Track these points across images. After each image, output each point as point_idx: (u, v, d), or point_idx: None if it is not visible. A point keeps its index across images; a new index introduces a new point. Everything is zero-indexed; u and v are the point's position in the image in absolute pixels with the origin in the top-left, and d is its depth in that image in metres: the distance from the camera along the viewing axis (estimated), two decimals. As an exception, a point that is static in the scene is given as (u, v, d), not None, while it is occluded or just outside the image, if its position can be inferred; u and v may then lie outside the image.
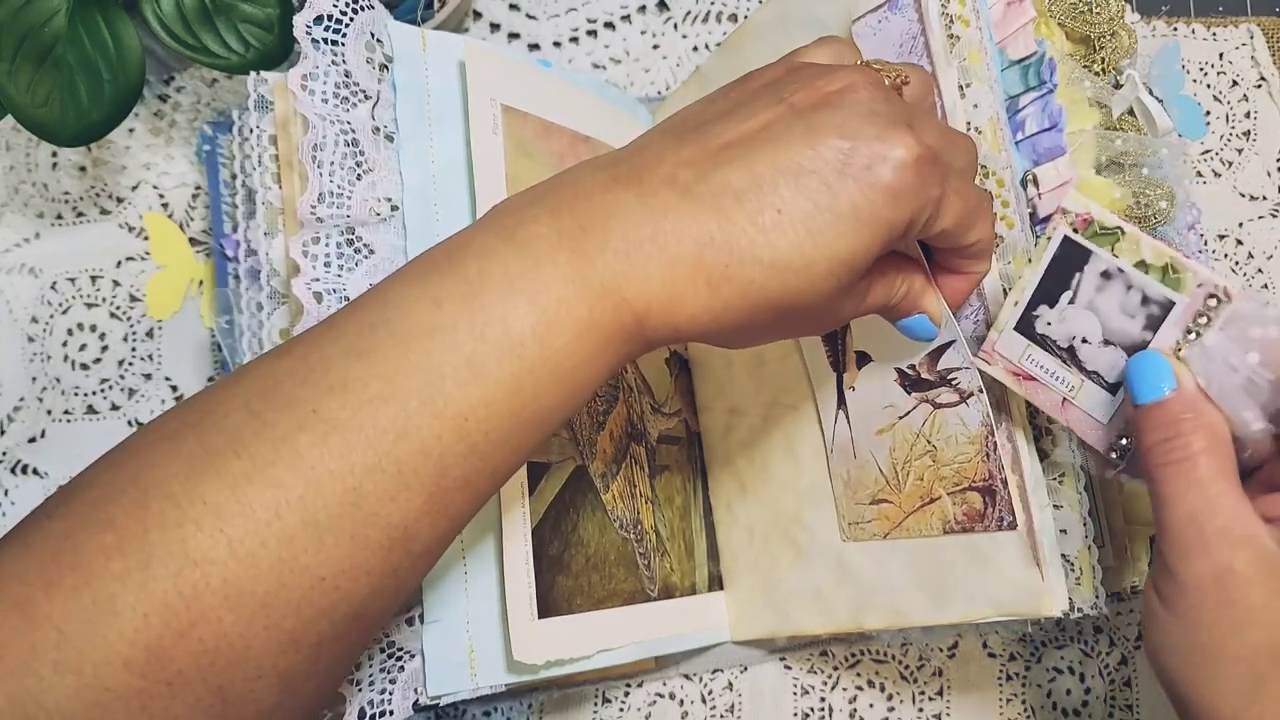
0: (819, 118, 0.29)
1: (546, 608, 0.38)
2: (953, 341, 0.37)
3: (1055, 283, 0.33)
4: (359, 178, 0.38)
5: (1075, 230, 0.33)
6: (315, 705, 0.29)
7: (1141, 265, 0.32)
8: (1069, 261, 0.33)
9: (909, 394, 0.40)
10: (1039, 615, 0.36)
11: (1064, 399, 0.34)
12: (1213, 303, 0.31)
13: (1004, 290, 0.37)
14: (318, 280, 0.37)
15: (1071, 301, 0.33)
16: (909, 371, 0.40)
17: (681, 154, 0.30)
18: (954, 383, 0.38)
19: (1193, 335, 0.31)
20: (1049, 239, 0.33)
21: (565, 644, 0.38)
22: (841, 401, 0.42)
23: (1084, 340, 0.33)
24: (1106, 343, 0.33)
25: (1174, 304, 0.31)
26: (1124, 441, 0.33)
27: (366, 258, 0.38)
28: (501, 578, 0.37)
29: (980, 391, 0.37)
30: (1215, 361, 0.30)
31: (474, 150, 0.39)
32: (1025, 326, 0.34)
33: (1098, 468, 0.37)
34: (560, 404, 0.29)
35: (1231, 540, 0.28)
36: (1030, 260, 0.34)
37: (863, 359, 0.41)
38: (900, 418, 0.40)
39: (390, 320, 0.28)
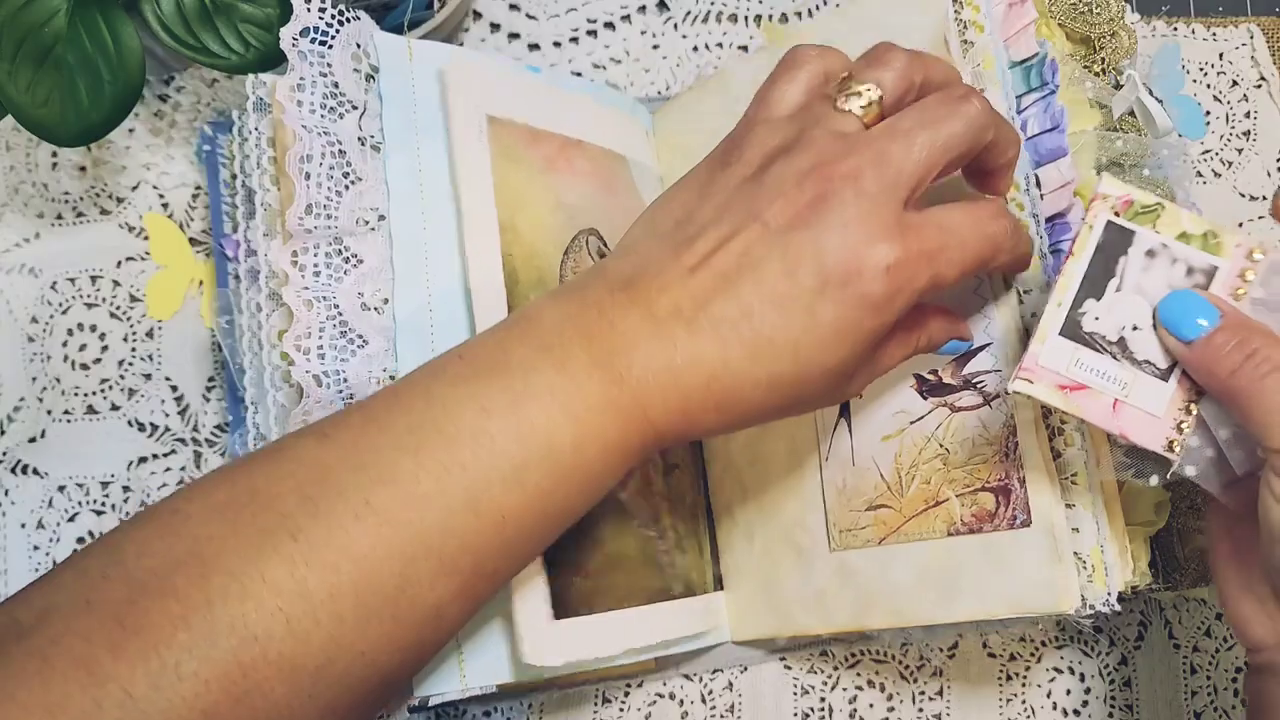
0: (794, 239, 0.31)
1: (563, 609, 0.38)
2: (986, 344, 0.37)
3: (1101, 272, 0.33)
4: (346, 188, 0.38)
5: (1117, 214, 0.33)
6: None
7: (1183, 237, 0.32)
8: (1113, 248, 0.33)
9: (925, 399, 0.40)
10: (1056, 611, 0.36)
11: (1115, 401, 0.33)
12: (1251, 261, 0.32)
13: (1019, 297, 0.37)
14: (307, 289, 0.37)
15: (1119, 289, 0.33)
16: (929, 376, 0.40)
17: (676, 274, 0.32)
18: (980, 386, 0.38)
19: (1242, 292, 0.32)
20: (1090, 227, 0.33)
21: (582, 645, 0.38)
22: (844, 410, 0.42)
23: (1134, 328, 0.33)
24: (1156, 325, 0.33)
25: (1217, 268, 0.32)
26: (1183, 430, 0.32)
27: (355, 267, 0.38)
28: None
29: (1007, 394, 0.37)
30: (1264, 313, 0.32)
31: (458, 162, 0.40)
32: (1071, 328, 0.33)
33: (1147, 472, 0.36)
34: (583, 505, 0.32)
35: None
36: (1071, 254, 0.33)
37: None
38: (911, 423, 0.40)
39: (438, 420, 0.30)
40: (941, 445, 0.39)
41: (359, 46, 0.39)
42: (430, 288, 0.39)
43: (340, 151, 0.38)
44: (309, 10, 0.38)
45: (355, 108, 0.39)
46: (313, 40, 0.38)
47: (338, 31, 0.38)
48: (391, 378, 0.38)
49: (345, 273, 0.38)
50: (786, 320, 0.31)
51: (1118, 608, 0.36)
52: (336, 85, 0.38)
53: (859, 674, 0.49)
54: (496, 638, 0.37)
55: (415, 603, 0.29)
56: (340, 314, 0.37)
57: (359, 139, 0.39)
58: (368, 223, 0.38)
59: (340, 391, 0.37)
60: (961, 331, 0.38)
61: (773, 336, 0.31)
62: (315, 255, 0.38)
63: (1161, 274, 0.33)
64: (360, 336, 0.38)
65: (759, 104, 0.35)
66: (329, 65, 0.38)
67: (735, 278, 0.31)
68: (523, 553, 0.32)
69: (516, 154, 0.42)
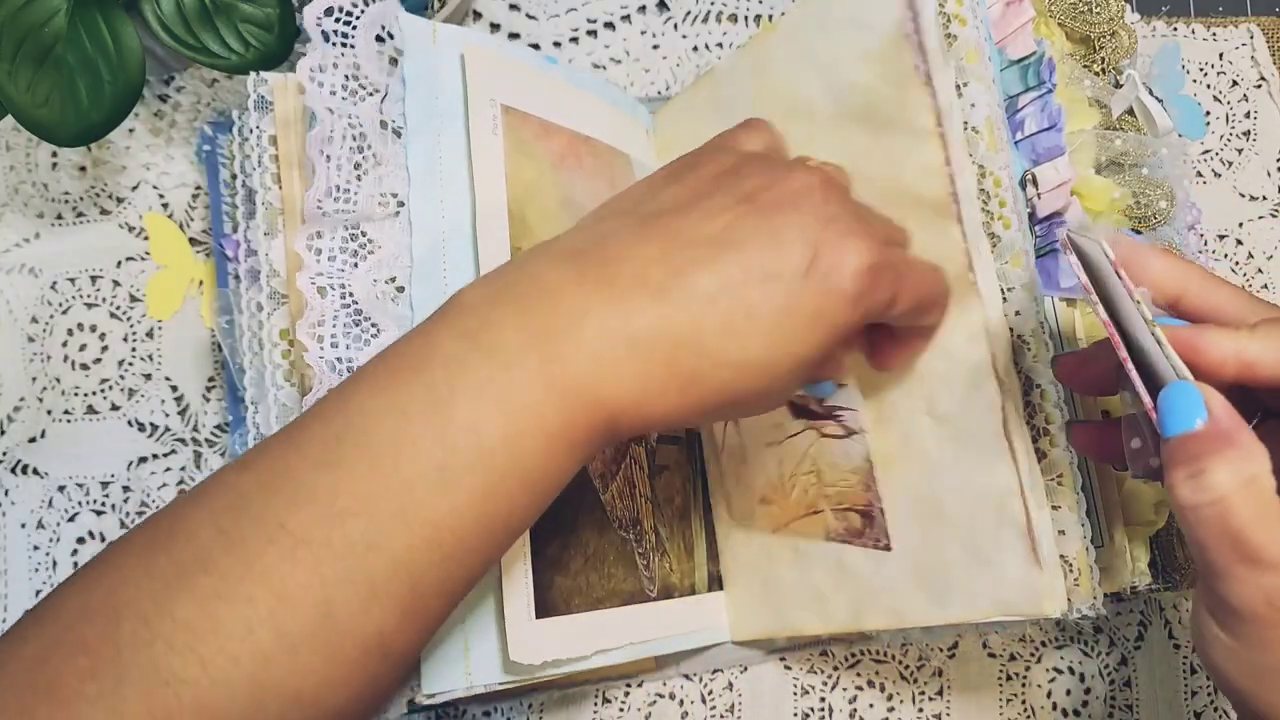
0: (781, 219, 0.30)
1: (544, 608, 0.38)
2: (843, 385, 0.41)
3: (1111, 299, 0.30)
4: (366, 173, 0.38)
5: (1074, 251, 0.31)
6: None
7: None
8: (1095, 270, 0.30)
9: (796, 418, 0.43)
10: (1039, 615, 0.36)
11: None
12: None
13: (1004, 295, 0.37)
14: (321, 275, 0.37)
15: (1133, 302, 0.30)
16: (797, 400, 0.42)
17: (648, 250, 0.30)
18: (839, 419, 0.41)
19: None
20: (1141, 302, 0.29)
21: (563, 644, 0.38)
22: None
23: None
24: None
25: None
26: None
27: (371, 254, 0.37)
28: (498, 577, 0.37)
29: (863, 432, 0.40)
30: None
31: (473, 152, 0.39)
32: (1138, 362, 0.29)
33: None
34: (528, 506, 0.29)
35: (1273, 567, 0.26)
36: (1151, 321, 0.29)
37: None
38: (787, 437, 0.43)
39: (355, 431, 0.27)
40: (814, 463, 0.42)
41: (383, 29, 0.39)
42: (447, 276, 0.38)
43: (360, 135, 0.38)
44: None
45: (377, 91, 0.38)
46: (337, 20, 0.37)
47: (363, 12, 0.38)
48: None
49: (360, 259, 0.37)
50: (769, 297, 0.29)
51: (1104, 611, 0.36)
52: (358, 68, 0.38)
53: (859, 674, 0.49)
54: (498, 636, 0.37)
55: (350, 633, 0.26)
56: (355, 301, 0.37)
57: (380, 123, 0.38)
58: (385, 208, 0.38)
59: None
60: (844, 371, 0.39)
61: (752, 311, 0.29)
62: (330, 241, 0.37)
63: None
64: (374, 325, 0.37)
65: (720, 136, 0.36)
66: (352, 46, 0.38)
67: (717, 251, 0.29)
68: (468, 565, 0.28)
69: (529, 147, 0.42)
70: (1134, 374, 0.29)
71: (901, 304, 0.32)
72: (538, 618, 0.37)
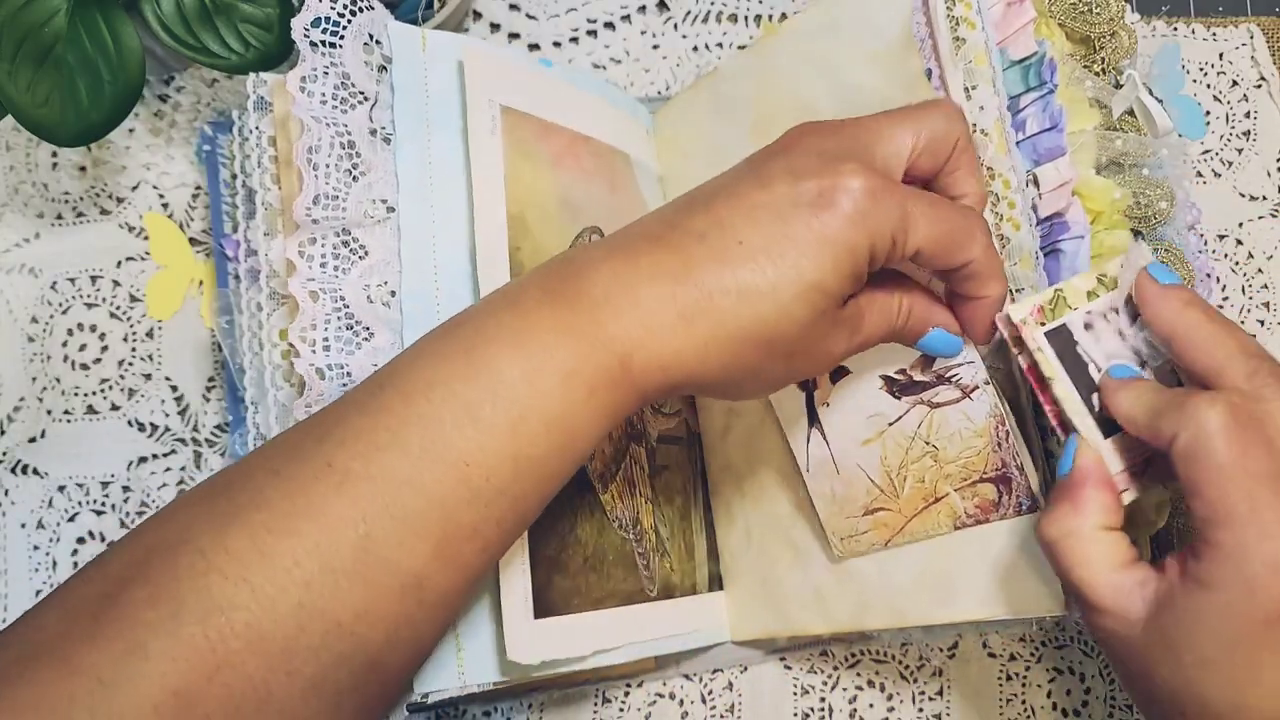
0: (769, 164, 0.32)
1: (543, 607, 0.38)
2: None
3: (1079, 371, 0.34)
4: (355, 180, 0.38)
5: (1043, 324, 0.34)
6: None
7: (1092, 296, 0.34)
8: (1066, 347, 0.34)
9: (899, 399, 0.39)
10: (1051, 612, 0.36)
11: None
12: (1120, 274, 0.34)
13: (1011, 296, 0.37)
14: (313, 280, 0.37)
15: (1099, 370, 0.34)
16: (897, 376, 0.39)
17: (658, 216, 0.33)
18: (955, 380, 0.37)
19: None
20: (1040, 350, 0.34)
21: (562, 644, 0.38)
22: (814, 420, 0.41)
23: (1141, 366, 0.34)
24: (1143, 364, 0.34)
25: (1128, 296, 0.34)
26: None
27: (362, 259, 0.38)
28: (495, 576, 0.37)
29: (986, 384, 0.37)
30: (1124, 314, 0.34)
31: (472, 152, 0.39)
32: (1103, 422, 0.34)
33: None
34: (555, 452, 0.30)
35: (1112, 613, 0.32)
36: (1049, 382, 0.34)
37: (838, 372, 0.40)
38: (889, 424, 0.39)
39: (396, 379, 0.30)
40: (928, 443, 0.38)
41: (371, 37, 0.39)
42: (439, 280, 0.39)
43: (350, 142, 0.38)
44: (320, 0, 0.38)
45: (366, 99, 0.39)
46: (324, 30, 0.38)
47: (350, 21, 0.38)
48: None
49: (352, 264, 0.38)
50: (756, 226, 0.30)
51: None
52: (347, 76, 0.38)
53: (859, 674, 0.49)
54: (493, 635, 0.37)
55: (388, 565, 0.28)
56: (346, 306, 0.37)
57: (369, 130, 0.39)
58: (375, 215, 0.38)
59: (343, 385, 0.37)
60: (944, 319, 0.36)
61: (742, 240, 0.30)
62: (322, 247, 0.37)
63: (1109, 333, 0.34)
64: (367, 329, 0.37)
65: None
66: (340, 56, 0.38)
67: (708, 200, 0.32)
68: (500, 508, 0.30)
69: (528, 148, 0.42)
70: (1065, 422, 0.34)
71: (920, 232, 0.32)
72: (536, 617, 0.37)
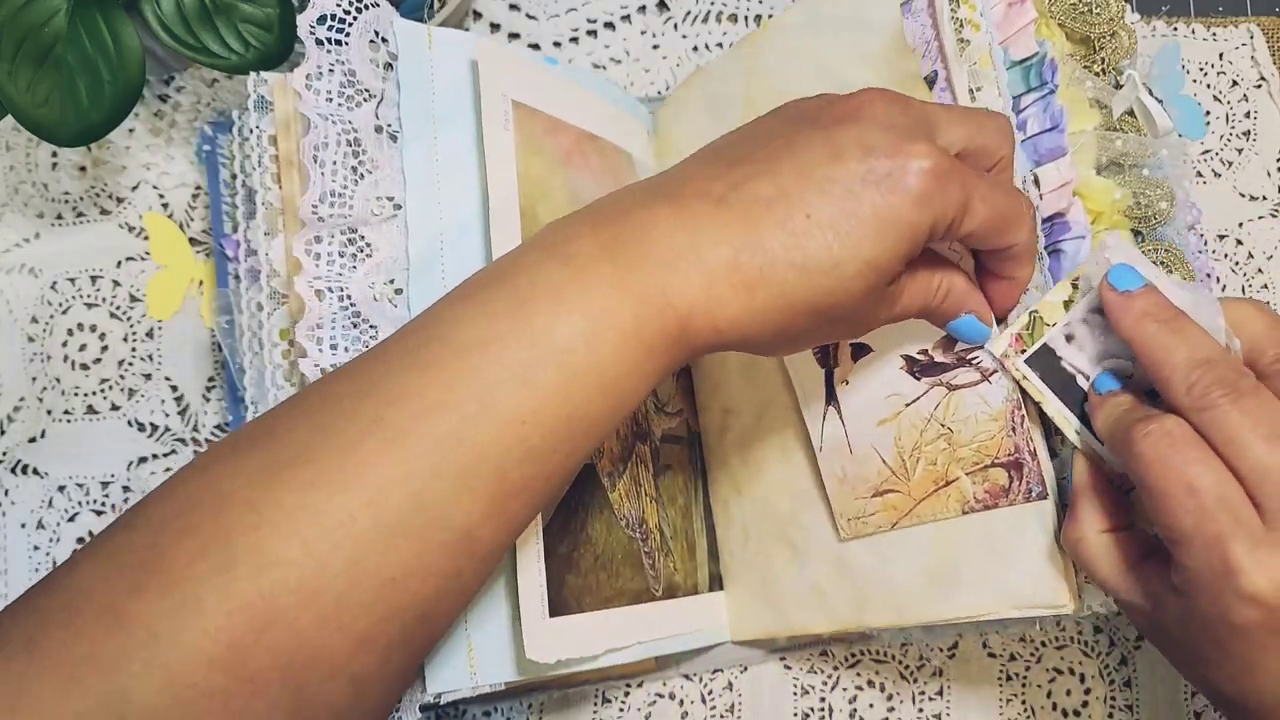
0: (839, 131, 0.31)
1: (557, 606, 0.38)
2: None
3: (1066, 388, 0.35)
4: (361, 177, 0.38)
5: (1024, 351, 0.35)
6: (383, 710, 0.30)
7: (1068, 305, 0.35)
8: (1050, 367, 0.35)
9: (918, 379, 0.39)
10: (1054, 606, 0.36)
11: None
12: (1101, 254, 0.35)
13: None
14: (319, 278, 0.37)
15: (1087, 378, 0.35)
16: (919, 357, 0.39)
17: (712, 170, 0.32)
18: (975, 362, 0.37)
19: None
20: (1024, 377, 0.35)
21: (576, 643, 0.38)
22: (831, 398, 0.42)
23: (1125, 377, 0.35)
24: (1131, 358, 0.34)
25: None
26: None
27: (369, 256, 0.38)
28: (512, 576, 0.37)
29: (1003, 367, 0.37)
30: (1092, 319, 0.35)
31: (485, 146, 0.39)
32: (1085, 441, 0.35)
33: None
34: (608, 411, 0.30)
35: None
36: (1038, 404, 0.35)
37: (860, 350, 0.40)
38: (907, 405, 0.39)
39: (445, 334, 0.29)
40: (943, 425, 0.38)
41: (377, 34, 0.39)
42: (445, 277, 0.39)
43: (356, 140, 0.38)
44: None
45: (372, 96, 0.39)
46: (330, 27, 0.38)
47: (355, 19, 0.38)
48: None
49: (359, 262, 0.38)
50: (826, 200, 0.30)
51: (1114, 608, 0.36)
52: (353, 74, 0.38)
53: (859, 674, 0.49)
54: (503, 634, 0.37)
55: (440, 522, 0.28)
56: (353, 304, 0.37)
57: (375, 128, 0.39)
58: (381, 213, 0.38)
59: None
60: (978, 305, 0.36)
61: (810, 213, 0.30)
62: (329, 245, 0.37)
63: (1093, 335, 0.35)
64: (373, 327, 0.37)
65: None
66: (345, 53, 0.38)
67: (774, 163, 0.31)
68: (551, 465, 0.30)
69: (539, 144, 0.42)
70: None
71: (977, 216, 0.32)
72: (550, 616, 0.37)
